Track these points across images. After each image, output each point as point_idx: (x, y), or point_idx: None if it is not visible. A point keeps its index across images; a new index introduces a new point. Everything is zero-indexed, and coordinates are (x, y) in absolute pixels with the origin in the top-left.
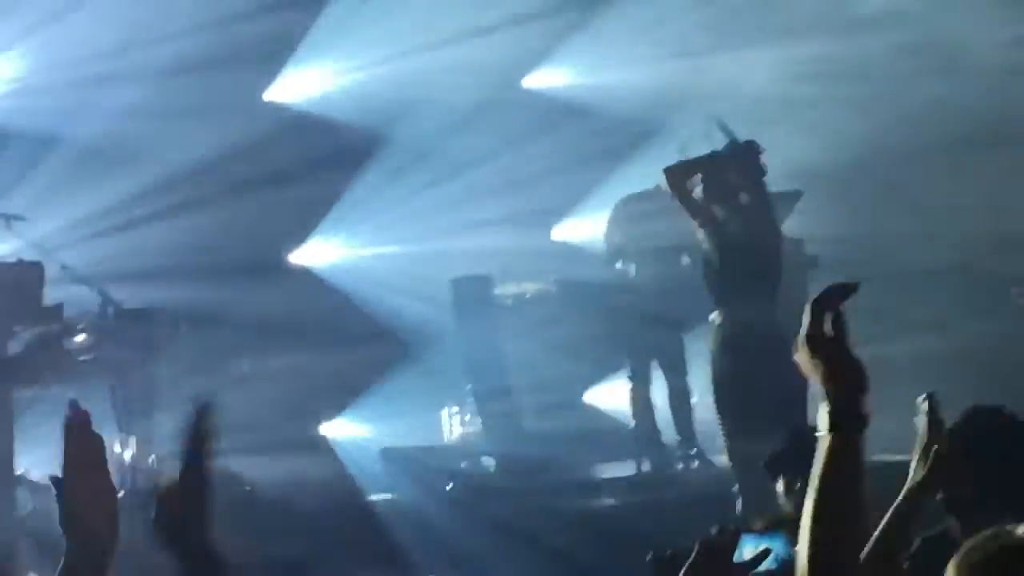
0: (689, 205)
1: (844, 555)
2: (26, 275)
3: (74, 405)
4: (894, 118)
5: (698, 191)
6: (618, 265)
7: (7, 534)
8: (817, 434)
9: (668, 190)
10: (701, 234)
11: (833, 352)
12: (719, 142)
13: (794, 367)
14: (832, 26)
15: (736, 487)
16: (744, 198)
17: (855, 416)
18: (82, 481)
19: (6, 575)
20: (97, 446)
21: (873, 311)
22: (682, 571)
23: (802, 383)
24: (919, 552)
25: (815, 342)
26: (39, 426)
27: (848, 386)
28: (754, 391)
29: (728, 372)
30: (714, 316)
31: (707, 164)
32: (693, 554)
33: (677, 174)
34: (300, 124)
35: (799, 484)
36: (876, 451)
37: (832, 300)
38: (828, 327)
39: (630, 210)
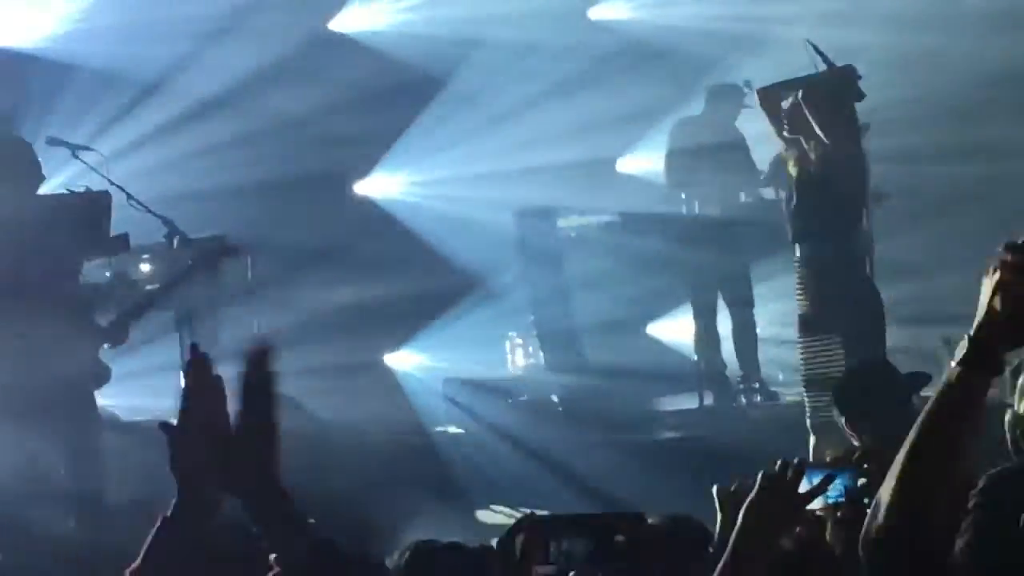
0: (780, 130)
1: (935, 503)
2: (93, 205)
3: (194, 348)
4: (970, 73)
5: (788, 116)
6: (681, 195)
7: (93, 467)
8: (952, 362)
9: (717, 108)
10: (789, 161)
11: (1016, 289)
12: (816, 64)
13: (876, 304)
14: None
15: (808, 421)
16: (834, 127)
17: (994, 355)
18: (200, 422)
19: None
20: (218, 388)
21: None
22: (745, 504)
23: (881, 318)
24: (987, 489)
25: (1012, 271)
26: (104, 356)
27: (1005, 325)
28: (838, 326)
29: (812, 306)
30: (797, 250)
31: (803, 87)
32: (756, 488)
33: (770, 95)
34: (366, 56)
35: (863, 419)
36: None
37: None
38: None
39: (684, 136)
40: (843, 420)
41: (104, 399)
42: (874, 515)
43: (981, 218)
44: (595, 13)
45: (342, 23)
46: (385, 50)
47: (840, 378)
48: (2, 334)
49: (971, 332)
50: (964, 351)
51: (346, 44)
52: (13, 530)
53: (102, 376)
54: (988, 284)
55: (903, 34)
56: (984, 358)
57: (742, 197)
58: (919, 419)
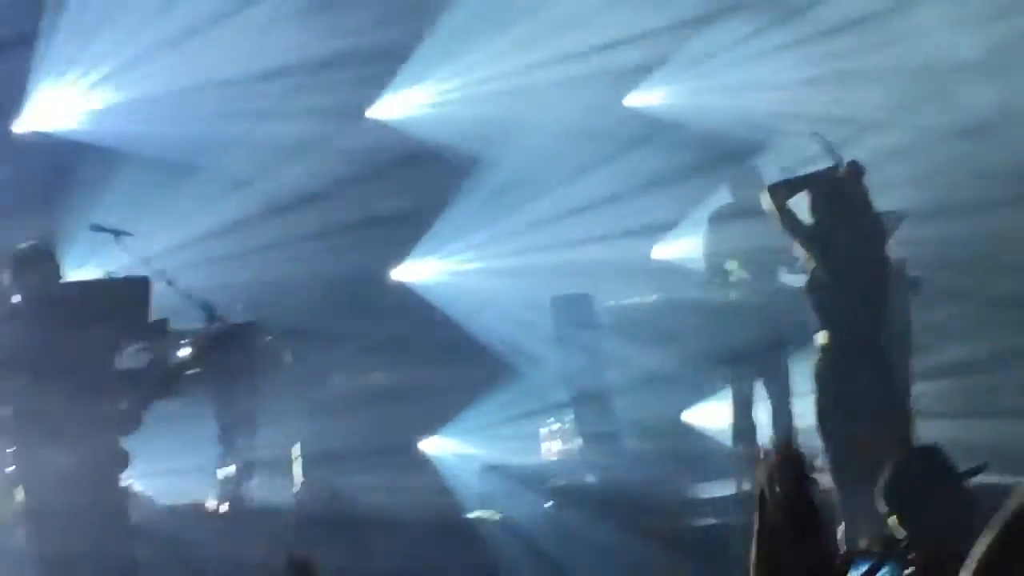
0: (791, 224)
1: None
2: (134, 290)
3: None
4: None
5: (806, 208)
6: (718, 283)
7: (124, 544)
8: None
9: (772, 209)
10: (803, 254)
11: None
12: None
13: (900, 390)
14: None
15: (839, 511)
16: (853, 216)
17: None
18: None
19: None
20: None
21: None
22: None
23: (908, 407)
24: None
25: None
26: (142, 440)
27: None
28: (859, 415)
29: (832, 395)
30: (819, 337)
31: (812, 182)
32: None
33: (780, 192)
34: (402, 138)
35: (910, 510)
36: None
37: None
38: None
39: (726, 223)
40: (887, 510)
41: (140, 485)
42: None
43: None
44: (631, 100)
45: (381, 109)
46: (423, 135)
47: (887, 469)
48: (33, 421)
49: None
50: None
51: (384, 129)
52: None
53: (122, 462)
54: None
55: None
56: None
57: (780, 280)
58: (998, 529)
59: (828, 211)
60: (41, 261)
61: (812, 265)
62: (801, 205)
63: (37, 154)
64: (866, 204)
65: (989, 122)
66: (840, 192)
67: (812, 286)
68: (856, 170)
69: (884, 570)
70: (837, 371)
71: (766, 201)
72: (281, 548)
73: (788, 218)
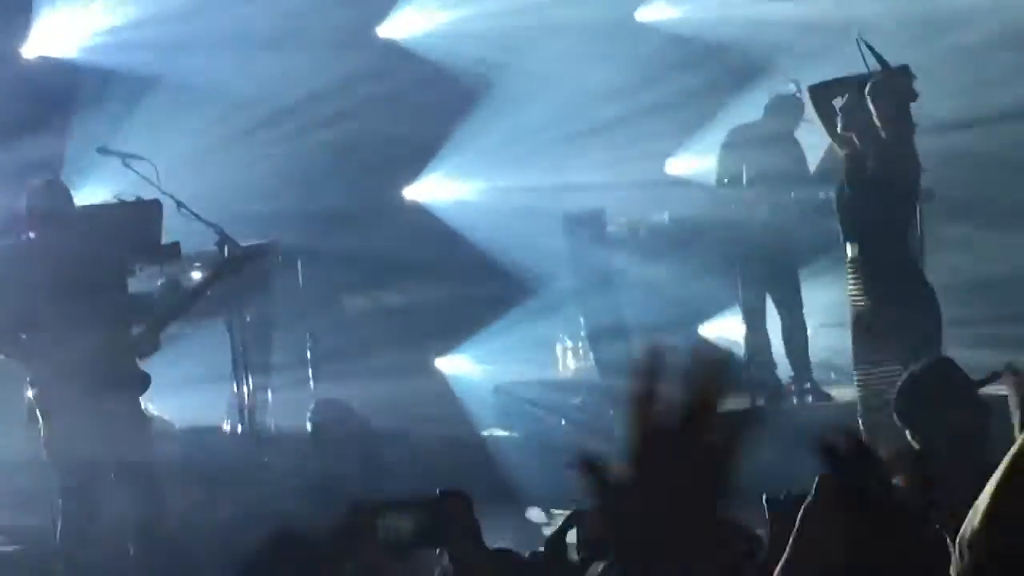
0: (830, 127)
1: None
2: (145, 213)
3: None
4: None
5: (840, 115)
6: (731, 198)
7: (142, 451)
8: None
9: (778, 118)
10: (842, 158)
11: None
12: (868, 63)
13: (931, 300)
14: None
15: (860, 421)
16: (887, 126)
17: None
18: None
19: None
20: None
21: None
22: (801, 511)
23: (938, 316)
24: None
25: None
26: (158, 362)
27: None
28: (893, 326)
29: (867, 306)
30: (849, 250)
31: (854, 87)
32: (812, 493)
33: (822, 94)
34: (413, 59)
35: (924, 421)
36: None
37: None
38: None
39: (737, 140)
40: (902, 422)
41: (156, 407)
42: (970, 520)
43: None
44: (642, 15)
45: (391, 29)
46: (434, 55)
47: (901, 381)
48: (49, 343)
49: None
50: None
51: (395, 49)
52: (79, 543)
53: (142, 384)
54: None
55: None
56: None
57: (792, 197)
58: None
59: (862, 117)
60: (54, 193)
61: (844, 171)
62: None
63: (44, 78)
64: (904, 114)
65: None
66: (885, 96)
67: (840, 194)
68: (902, 75)
69: None
70: (869, 282)
71: (807, 100)
72: (296, 470)
73: (826, 120)
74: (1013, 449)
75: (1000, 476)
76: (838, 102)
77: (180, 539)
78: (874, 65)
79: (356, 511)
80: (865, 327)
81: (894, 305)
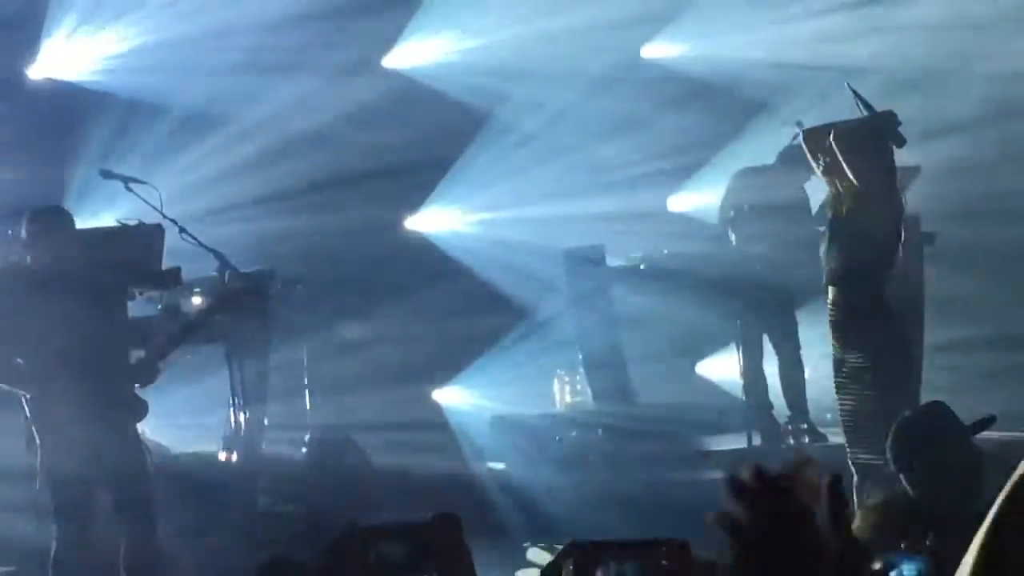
0: (823, 168)
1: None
2: (146, 237)
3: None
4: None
5: (828, 157)
6: (732, 236)
7: (139, 478)
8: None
9: (789, 168)
10: (827, 199)
11: None
12: (860, 108)
13: (908, 347)
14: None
15: (851, 466)
16: (857, 171)
17: None
18: None
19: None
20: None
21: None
22: None
23: (913, 361)
24: None
25: None
26: (156, 388)
27: None
28: (868, 372)
29: (843, 351)
30: (830, 292)
31: (847, 129)
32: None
33: (815, 136)
34: (416, 91)
35: (916, 467)
36: None
37: None
38: None
39: (745, 182)
40: (895, 465)
41: (152, 432)
42: (962, 570)
43: None
44: (647, 52)
45: (396, 60)
46: (438, 86)
47: (895, 425)
48: (46, 367)
49: None
50: None
51: (398, 80)
52: (71, 566)
53: (140, 411)
54: None
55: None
56: None
57: (792, 237)
58: (1005, 491)
59: (848, 160)
60: (55, 218)
61: (830, 213)
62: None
63: (50, 101)
64: (888, 158)
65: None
66: (872, 141)
67: (827, 235)
68: (888, 121)
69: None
70: (847, 326)
71: (802, 143)
72: (291, 498)
73: (820, 161)
74: (1000, 499)
75: (988, 526)
76: (827, 146)
77: (173, 565)
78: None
79: (347, 536)
80: (840, 371)
81: (868, 348)
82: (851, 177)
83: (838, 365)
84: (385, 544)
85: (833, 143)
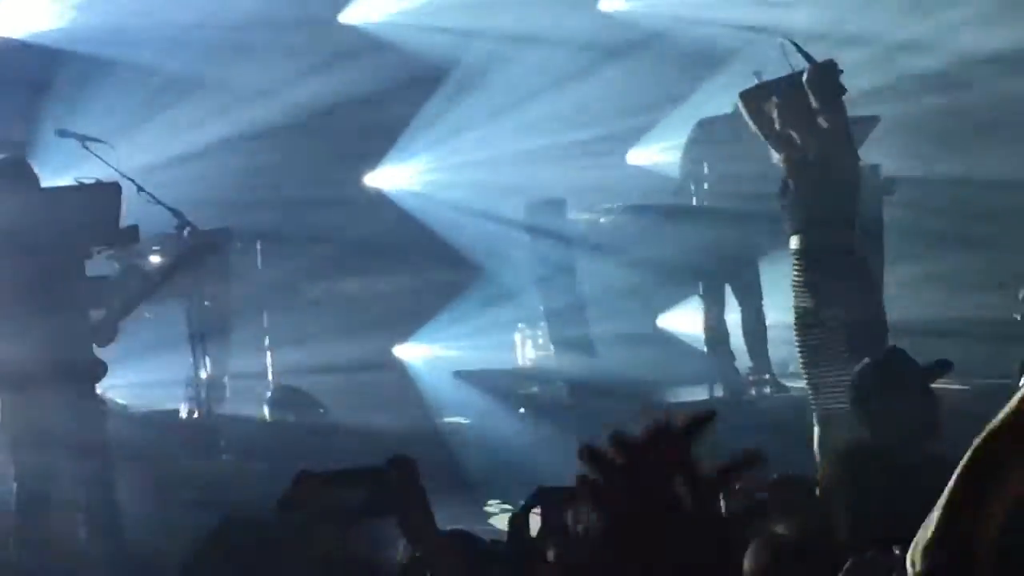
0: (766, 130)
1: (987, 522)
2: (104, 196)
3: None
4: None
5: (775, 115)
6: (692, 188)
7: (97, 439)
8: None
9: (744, 115)
10: (778, 159)
11: None
12: (795, 64)
13: (874, 293)
14: None
15: (814, 415)
16: (822, 121)
17: None
18: None
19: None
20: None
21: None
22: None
23: (880, 306)
24: None
25: None
26: (113, 346)
27: None
28: (835, 319)
29: (808, 300)
30: (793, 242)
31: (784, 87)
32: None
33: (753, 98)
34: (374, 46)
35: (879, 413)
36: None
37: None
38: None
39: (705, 134)
40: (855, 412)
41: (113, 391)
42: (924, 530)
43: None
44: (605, 4)
45: (352, 15)
46: (394, 40)
47: (854, 374)
48: (5, 329)
49: None
50: None
51: (355, 35)
52: (32, 525)
53: (99, 372)
54: None
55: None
56: None
57: (753, 186)
58: (978, 440)
59: (796, 115)
60: (17, 174)
61: (784, 169)
62: (773, 110)
63: (4, 59)
64: (837, 107)
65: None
66: (809, 95)
67: (784, 190)
68: (828, 71)
69: None
70: (810, 275)
71: (740, 106)
72: (253, 455)
73: (760, 122)
74: (964, 459)
75: (952, 486)
76: (770, 105)
77: (132, 524)
78: (798, 66)
79: (300, 482)
80: (805, 318)
81: (834, 296)
82: (812, 126)
83: (802, 313)
84: (339, 490)
85: (808, 88)
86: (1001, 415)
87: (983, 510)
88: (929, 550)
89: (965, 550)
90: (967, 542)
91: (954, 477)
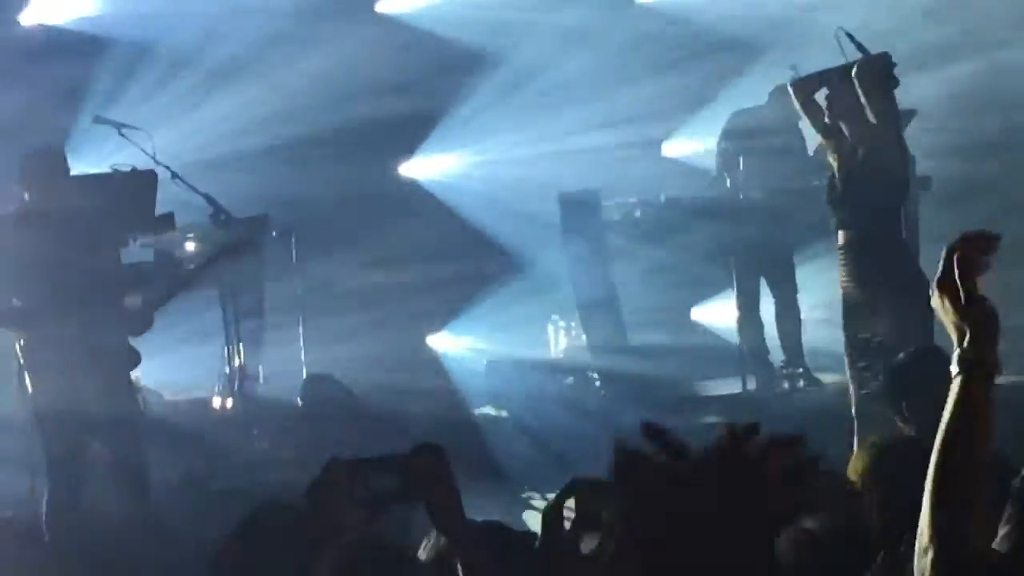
0: (817, 121)
1: (971, 516)
2: (140, 183)
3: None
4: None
5: (825, 106)
6: (727, 180)
7: (137, 448)
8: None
9: (795, 105)
10: (822, 151)
11: (964, 298)
12: (846, 54)
13: (923, 287)
14: None
15: (853, 409)
16: (872, 114)
17: (982, 363)
18: None
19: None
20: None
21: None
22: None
23: (928, 302)
24: None
25: (946, 287)
26: (148, 333)
27: (978, 332)
28: (885, 313)
29: (857, 293)
30: (841, 236)
31: (836, 77)
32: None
33: (805, 88)
34: (412, 37)
35: (913, 408)
36: None
37: (968, 247)
38: (959, 273)
39: (739, 125)
40: (893, 410)
41: (147, 378)
42: (920, 547)
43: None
44: None
45: (388, 4)
46: (432, 30)
47: (889, 368)
48: (42, 315)
49: (956, 353)
50: (956, 369)
51: (393, 24)
52: (65, 514)
53: (134, 360)
54: (938, 304)
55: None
56: (974, 367)
57: (789, 182)
58: (938, 435)
59: (847, 107)
60: (50, 162)
61: (833, 161)
62: (824, 100)
63: (42, 46)
64: (888, 100)
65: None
66: (859, 87)
67: (832, 183)
68: (881, 63)
69: None
70: (860, 270)
71: (792, 95)
72: (286, 444)
73: (811, 113)
74: (932, 463)
75: (930, 491)
76: (821, 95)
77: (166, 512)
78: (853, 56)
79: (329, 469)
80: (854, 312)
81: (884, 290)
82: (866, 118)
83: (850, 308)
84: (367, 476)
85: (848, 85)
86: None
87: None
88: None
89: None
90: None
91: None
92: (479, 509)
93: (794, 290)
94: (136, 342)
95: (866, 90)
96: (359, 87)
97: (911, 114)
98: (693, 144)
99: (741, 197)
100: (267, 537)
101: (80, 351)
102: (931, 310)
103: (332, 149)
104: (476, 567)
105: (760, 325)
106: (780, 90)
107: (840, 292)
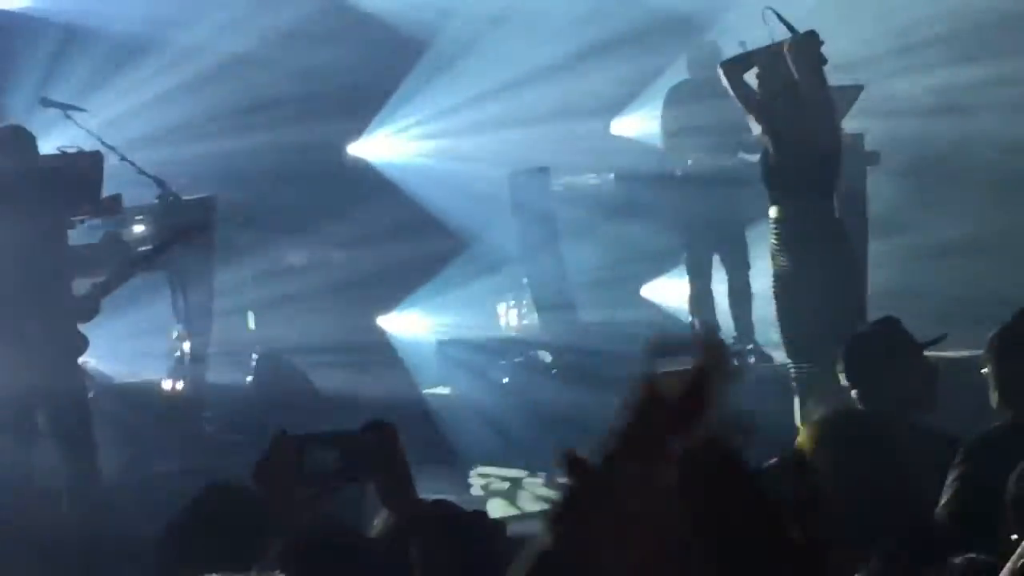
0: (746, 100)
1: None
2: (86, 165)
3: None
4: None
5: (756, 85)
6: (672, 156)
7: (79, 413)
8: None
9: (725, 85)
10: (759, 129)
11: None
12: (776, 33)
13: (853, 261)
14: None
15: (793, 383)
16: (803, 91)
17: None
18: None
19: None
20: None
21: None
22: None
23: (859, 275)
24: (970, 451)
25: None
26: (97, 319)
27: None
28: (813, 286)
29: (787, 267)
30: (772, 211)
31: (765, 56)
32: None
33: (734, 68)
34: (356, 14)
35: (872, 383)
36: None
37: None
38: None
39: (677, 99)
40: (848, 384)
41: (96, 361)
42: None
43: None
44: None
45: None
46: (378, 10)
47: (848, 341)
48: None
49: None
50: None
51: (338, 5)
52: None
53: (80, 347)
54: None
55: None
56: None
57: (738, 157)
58: None
59: (777, 85)
60: (20, 143)
61: (765, 138)
62: (754, 79)
63: None
64: (818, 78)
65: None
66: (790, 65)
67: (764, 161)
68: (810, 41)
69: None
70: (789, 244)
71: (721, 76)
72: (237, 426)
73: (741, 93)
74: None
75: None
76: (750, 75)
77: (115, 495)
78: (780, 36)
79: (276, 445)
80: (783, 287)
81: (814, 265)
82: (802, 91)
83: (781, 278)
84: (314, 452)
85: (790, 57)
86: None
87: None
88: None
89: None
90: None
91: None
92: (429, 488)
93: (746, 266)
94: (84, 327)
95: (799, 68)
96: (307, 67)
97: (857, 90)
98: (643, 121)
99: (691, 172)
100: (215, 518)
101: (28, 335)
102: (862, 284)
103: (279, 130)
104: (426, 544)
105: (711, 301)
106: (692, 58)
107: (771, 266)
